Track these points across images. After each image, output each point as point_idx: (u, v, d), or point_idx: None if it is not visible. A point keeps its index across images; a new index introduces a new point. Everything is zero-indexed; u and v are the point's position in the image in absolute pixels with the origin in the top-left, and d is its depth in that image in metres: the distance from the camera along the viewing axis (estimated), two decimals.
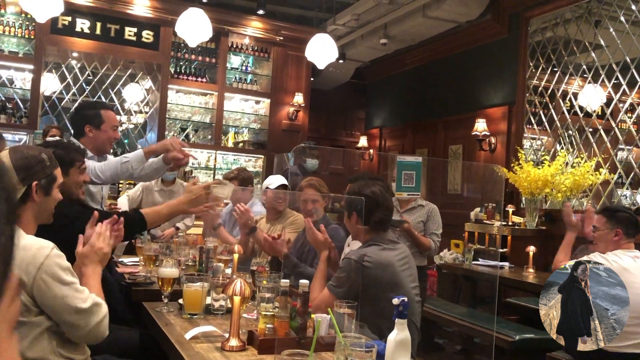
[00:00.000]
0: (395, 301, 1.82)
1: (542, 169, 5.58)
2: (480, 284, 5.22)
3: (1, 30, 6.50)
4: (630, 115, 5.67)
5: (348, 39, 8.53)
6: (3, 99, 6.63)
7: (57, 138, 4.53)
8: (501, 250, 5.50)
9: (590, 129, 5.91)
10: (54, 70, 6.88)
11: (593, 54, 5.90)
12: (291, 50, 7.81)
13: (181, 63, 7.41)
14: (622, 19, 5.53)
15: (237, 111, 7.81)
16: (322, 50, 5.31)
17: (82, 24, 6.74)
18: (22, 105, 6.67)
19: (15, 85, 6.73)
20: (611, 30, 5.65)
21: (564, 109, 6.23)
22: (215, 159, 7.52)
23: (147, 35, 7.03)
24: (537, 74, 6.52)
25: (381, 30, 7.92)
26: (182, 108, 7.50)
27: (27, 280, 1.60)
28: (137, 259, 3.49)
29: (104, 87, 7.06)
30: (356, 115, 10.67)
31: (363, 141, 9.94)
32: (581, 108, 6.01)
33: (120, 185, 5.96)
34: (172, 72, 7.26)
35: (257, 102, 7.94)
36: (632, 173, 5.49)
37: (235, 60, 7.83)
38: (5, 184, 0.41)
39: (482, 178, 6.49)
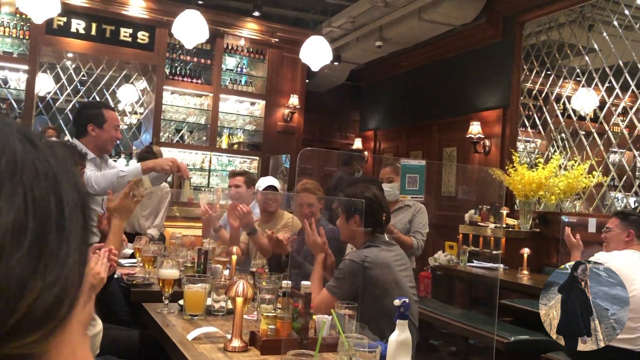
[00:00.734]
0: (397, 302, 1.84)
1: (536, 172, 5.62)
2: (475, 286, 5.25)
3: None
4: (622, 118, 5.72)
5: (343, 41, 8.56)
6: None
7: (54, 139, 4.54)
8: (495, 252, 5.53)
9: (584, 132, 5.97)
10: (48, 71, 6.86)
11: (586, 58, 5.96)
12: (286, 52, 7.83)
13: (176, 64, 7.41)
14: (616, 23, 5.59)
15: (232, 113, 7.81)
16: (316, 52, 5.33)
17: (78, 25, 6.72)
18: (16, 106, 6.64)
19: (9, 86, 6.71)
20: (604, 34, 5.71)
21: (558, 112, 6.28)
22: (210, 160, 7.52)
23: (142, 36, 7.02)
24: (532, 77, 6.57)
25: (376, 33, 7.96)
26: (177, 109, 7.49)
27: None
28: (134, 260, 3.49)
29: (98, 87, 7.05)
30: (351, 118, 10.70)
31: (358, 143, 9.97)
32: (574, 111, 6.06)
33: None
34: (167, 73, 7.25)
35: (252, 104, 7.94)
36: (625, 176, 5.54)
37: (230, 62, 7.83)
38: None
39: (476, 180, 6.53)
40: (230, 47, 7.67)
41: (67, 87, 6.89)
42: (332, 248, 2.76)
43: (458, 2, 6.81)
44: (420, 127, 8.52)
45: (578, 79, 6.06)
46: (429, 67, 8.44)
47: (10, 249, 0.34)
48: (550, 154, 6.23)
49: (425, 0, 6.86)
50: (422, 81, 8.59)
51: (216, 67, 7.46)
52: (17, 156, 0.37)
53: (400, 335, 1.83)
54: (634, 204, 5.82)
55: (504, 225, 5.79)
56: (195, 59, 7.46)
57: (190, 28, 4.85)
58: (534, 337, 3.83)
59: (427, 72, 8.49)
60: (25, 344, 0.35)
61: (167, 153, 7.19)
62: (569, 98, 6.18)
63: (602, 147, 5.73)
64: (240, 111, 7.88)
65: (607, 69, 5.69)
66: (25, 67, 6.54)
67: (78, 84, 7.01)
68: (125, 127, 7.55)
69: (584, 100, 5.94)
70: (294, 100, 7.81)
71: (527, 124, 6.59)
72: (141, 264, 3.19)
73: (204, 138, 7.60)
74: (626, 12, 5.46)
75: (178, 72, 7.36)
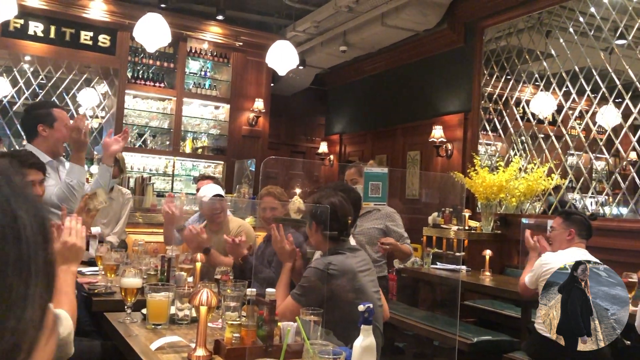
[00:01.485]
0: (361, 307, 1.85)
1: (497, 175, 5.74)
2: (439, 288, 5.32)
3: None
4: (579, 122, 5.89)
5: (308, 45, 8.58)
6: None
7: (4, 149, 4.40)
8: (458, 254, 5.62)
9: (542, 136, 6.12)
10: (4, 74, 6.69)
11: (544, 63, 6.12)
12: (251, 55, 7.81)
13: (138, 68, 7.31)
14: (571, 29, 5.76)
15: (196, 117, 7.75)
16: (283, 56, 5.33)
17: (36, 27, 6.57)
18: None
19: None
20: (561, 40, 5.87)
21: (518, 116, 6.42)
22: (174, 165, 7.43)
23: (103, 39, 6.91)
24: (492, 82, 6.70)
25: (341, 38, 8.01)
26: (140, 113, 7.39)
27: None
28: (96, 268, 3.42)
29: (58, 91, 6.90)
30: (316, 121, 10.72)
31: (323, 147, 9.99)
32: (533, 115, 6.21)
33: None
34: (129, 76, 7.15)
35: (217, 108, 7.89)
36: (582, 178, 5.71)
37: (194, 66, 7.77)
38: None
39: (439, 184, 6.63)
40: (193, 51, 7.61)
41: (25, 91, 6.73)
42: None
43: (420, 8, 6.91)
44: (384, 131, 8.60)
45: (537, 83, 6.21)
46: (392, 71, 8.53)
47: None
48: (510, 157, 6.37)
49: (389, 5, 6.94)
50: (386, 85, 8.68)
51: (179, 71, 7.39)
52: None
53: (365, 340, 1.84)
54: (591, 205, 6.00)
55: (467, 228, 5.89)
56: (157, 63, 7.37)
57: (152, 31, 4.78)
58: (497, 337, 3.91)
59: (390, 77, 8.58)
60: None
61: (130, 158, 7.08)
62: (528, 102, 6.33)
63: (560, 150, 5.88)
64: (204, 115, 7.82)
65: (564, 74, 5.85)
66: None
67: (36, 88, 6.85)
68: (84, 115, 7.39)
69: (543, 104, 6.09)
70: (259, 104, 7.79)
71: (488, 128, 6.72)
72: (103, 273, 3.13)
73: (167, 142, 7.52)
74: (581, 19, 5.63)
75: (140, 76, 7.26)
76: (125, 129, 3.35)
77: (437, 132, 7.15)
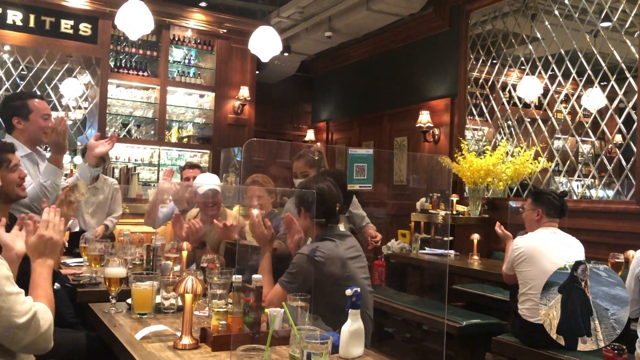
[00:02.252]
0: (348, 292, 1.84)
1: (484, 159, 5.74)
2: (427, 273, 5.33)
3: None
4: (565, 105, 5.90)
5: (293, 31, 8.51)
6: None
7: None
8: (446, 238, 5.63)
9: (529, 119, 6.13)
10: None
11: (530, 47, 6.11)
12: (235, 43, 7.72)
13: (121, 57, 7.20)
14: (557, 12, 5.74)
15: (180, 105, 7.67)
16: (266, 43, 5.27)
17: (14, 16, 6.44)
18: None
19: None
20: (546, 23, 5.86)
21: (504, 100, 6.42)
22: (159, 155, 7.36)
23: (84, 28, 6.79)
24: (478, 66, 6.69)
25: (326, 24, 7.94)
26: (123, 103, 7.30)
27: None
28: (81, 259, 3.38)
29: (39, 82, 6.78)
30: (303, 109, 10.66)
31: (310, 134, 9.95)
32: (520, 99, 6.21)
33: None
34: (112, 66, 7.05)
35: (202, 96, 7.81)
36: (568, 161, 5.72)
37: (177, 54, 7.67)
38: None
39: (427, 169, 6.63)
40: (176, 39, 7.51)
41: (5, 82, 6.61)
42: (283, 240, 2.74)
43: None
44: (371, 117, 8.57)
45: (522, 67, 6.21)
46: (378, 57, 8.49)
47: None
48: (497, 141, 6.38)
49: None
50: (372, 71, 8.64)
51: (163, 59, 7.30)
52: None
53: (353, 324, 1.83)
54: (577, 187, 6.03)
55: (454, 212, 5.90)
56: (140, 51, 7.27)
57: (134, 19, 4.71)
58: (485, 320, 3.93)
59: (376, 63, 8.53)
60: None
61: (114, 148, 6.98)
62: (514, 86, 6.33)
63: (546, 134, 5.89)
64: (189, 104, 7.74)
65: (550, 57, 5.85)
66: None
67: (17, 79, 6.73)
68: (70, 122, 7.28)
69: (529, 88, 6.09)
70: (244, 92, 7.73)
71: (475, 112, 6.72)
72: (87, 263, 3.08)
73: (152, 132, 7.43)
74: (566, 1, 5.61)
75: (123, 65, 7.16)
76: (113, 135, 3.30)
77: (424, 118, 7.14)
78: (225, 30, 7.62)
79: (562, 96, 5.84)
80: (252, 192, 3.46)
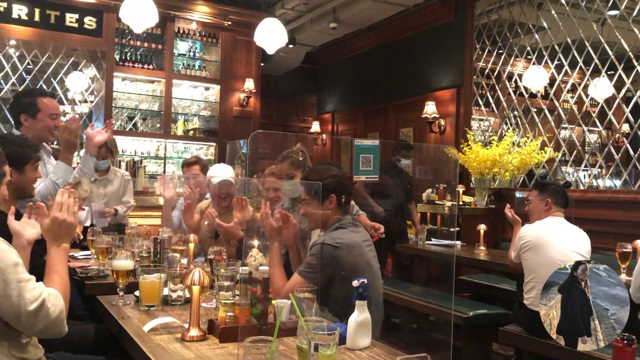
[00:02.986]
0: (355, 283, 1.84)
1: (490, 149, 5.72)
2: (434, 263, 5.34)
3: None
4: (572, 95, 5.86)
5: (297, 23, 8.48)
6: None
7: None
8: (452, 229, 5.63)
9: (535, 109, 6.09)
10: None
11: (536, 36, 6.06)
12: (240, 35, 7.70)
13: (126, 50, 7.20)
14: (563, 1, 5.69)
15: (186, 98, 7.67)
16: (271, 35, 5.25)
17: (19, 10, 6.44)
18: None
19: None
20: (553, 12, 5.81)
21: (510, 90, 6.39)
22: (165, 148, 7.37)
23: (89, 21, 6.79)
24: (484, 56, 6.65)
25: (330, 14, 7.90)
26: (129, 96, 7.30)
27: None
28: (88, 252, 3.40)
29: (45, 76, 6.79)
30: (308, 101, 10.64)
31: (315, 126, 9.94)
32: (526, 89, 6.18)
33: None
34: (117, 59, 7.05)
35: (207, 89, 7.80)
36: (575, 151, 5.69)
37: (182, 46, 7.66)
38: None
39: (433, 159, 6.61)
40: (181, 31, 7.50)
41: (12, 76, 6.62)
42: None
43: None
44: (376, 108, 8.55)
45: (529, 57, 6.17)
46: (383, 48, 8.45)
47: None
48: (503, 131, 6.35)
49: None
50: (377, 62, 8.60)
51: (168, 52, 7.29)
52: None
53: (360, 316, 1.83)
54: (584, 177, 6.00)
55: (461, 203, 5.89)
56: (145, 44, 7.27)
57: (139, 12, 4.70)
58: (492, 310, 3.92)
59: (381, 53, 8.50)
60: None
61: (121, 141, 7.01)
62: (520, 76, 6.29)
63: (553, 123, 5.86)
64: (194, 97, 7.74)
65: (556, 47, 5.81)
66: None
67: (23, 73, 6.75)
68: (76, 116, 7.29)
69: (535, 77, 6.05)
70: (249, 84, 7.71)
71: (481, 103, 6.69)
72: (95, 256, 3.10)
73: (158, 125, 7.44)
74: None
75: (128, 58, 7.16)
76: (109, 121, 3.31)
77: (430, 108, 7.11)
78: (230, 23, 7.60)
79: (568, 86, 5.80)
80: (269, 184, 3.46)
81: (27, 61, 6.72)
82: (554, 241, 3.22)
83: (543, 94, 6.17)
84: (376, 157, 2.47)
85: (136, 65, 7.16)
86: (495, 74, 6.53)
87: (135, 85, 7.34)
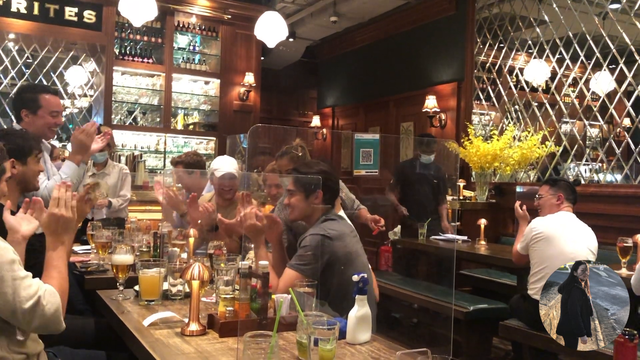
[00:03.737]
0: (355, 278, 1.83)
1: (491, 144, 5.71)
2: (434, 258, 5.33)
3: None
4: (573, 89, 5.84)
5: (297, 17, 8.45)
6: None
7: None
8: (453, 224, 5.62)
9: (536, 104, 6.07)
10: None
11: (538, 30, 6.04)
12: (240, 29, 7.68)
13: (126, 44, 7.18)
14: None
15: (186, 92, 7.65)
16: (271, 28, 5.22)
17: (18, 4, 6.41)
18: None
19: None
20: (554, 5, 5.79)
21: (511, 84, 6.37)
22: (165, 142, 7.36)
23: (88, 15, 6.76)
24: (485, 50, 6.62)
25: (331, 8, 7.88)
26: (129, 90, 7.28)
27: None
28: (88, 246, 3.39)
29: (44, 70, 6.77)
30: (308, 95, 10.62)
31: (316, 121, 9.92)
32: (527, 83, 6.16)
33: None
34: (117, 53, 7.03)
35: (207, 83, 7.78)
36: (576, 145, 5.68)
37: (182, 40, 7.63)
38: None
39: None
40: (181, 25, 7.47)
41: (11, 70, 6.60)
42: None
43: None
44: (377, 102, 8.53)
45: (530, 50, 6.14)
46: (384, 42, 8.42)
47: None
48: (504, 125, 6.33)
49: None
50: (378, 56, 8.58)
51: (167, 46, 7.26)
52: None
53: (360, 310, 1.83)
54: (585, 172, 5.99)
55: (461, 198, 5.88)
56: (145, 38, 7.24)
57: (138, 5, 4.66)
58: (493, 305, 3.93)
59: (382, 47, 8.47)
60: None
61: (120, 136, 7.01)
62: (521, 70, 6.27)
63: (554, 118, 5.85)
64: (194, 91, 7.72)
65: (558, 40, 5.78)
66: None
67: (23, 67, 6.73)
68: (76, 110, 7.29)
69: (536, 71, 6.03)
70: (249, 78, 7.69)
71: (482, 97, 6.67)
72: (95, 251, 3.10)
73: (158, 119, 7.43)
74: None
75: (128, 52, 7.14)
76: (107, 130, 3.32)
77: (431, 102, 7.09)
78: (229, 16, 7.57)
79: (570, 80, 5.78)
80: (271, 181, 3.45)
81: (26, 55, 6.70)
82: (566, 234, 3.28)
83: (544, 88, 6.15)
84: (376, 151, 2.47)
85: (136, 59, 7.14)
86: (497, 67, 6.51)
87: (134, 80, 7.32)
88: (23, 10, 6.44)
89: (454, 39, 7.03)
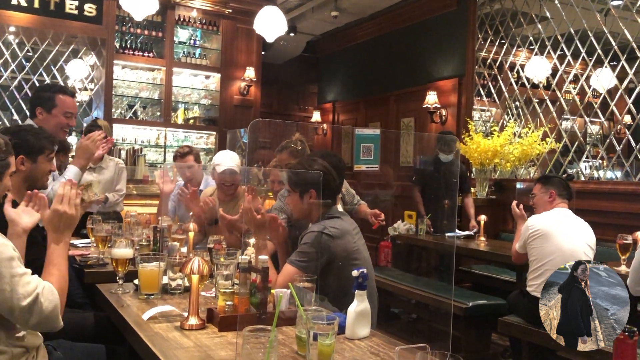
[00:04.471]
0: (355, 273, 1.83)
1: (492, 140, 5.70)
2: (433, 254, 5.33)
3: None
4: (574, 86, 5.84)
5: (298, 11, 8.42)
6: None
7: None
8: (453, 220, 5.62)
9: (537, 100, 6.07)
10: None
11: (539, 26, 6.02)
12: (240, 23, 7.66)
13: (126, 37, 7.16)
14: None
15: (186, 87, 7.64)
16: (271, 22, 5.22)
17: None
18: None
19: None
20: (556, 2, 5.77)
21: (512, 80, 6.36)
22: (165, 136, 7.35)
23: (89, 8, 6.74)
24: (486, 46, 6.61)
25: (332, 3, 7.85)
26: (129, 84, 7.27)
27: None
28: (88, 240, 3.39)
29: (45, 63, 6.76)
30: (309, 90, 10.60)
31: (316, 116, 9.90)
32: (528, 79, 6.15)
33: None
34: (117, 47, 7.01)
35: (207, 77, 7.77)
36: (577, 142, 5.67)
37: (182, 34, 7.62)
38: None
39: (433, 150, 6.58)
40: (182, 19, 7.46)
41: (11, 63, 6.59)
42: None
43: None
44: (378, 98, 8.51)
45: (531, 47, 6.13)
46: (384, 37, 8.40)
47: None
48: (505, 122, 6.33)
49: None
50: (379, 52, 8.56)
51: (168, 40, 7.25)
52: None
53: (359, 305, 1.83)
54: (585, 169, 5.98)
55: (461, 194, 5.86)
56: (146, 32, 7.23)
57: None
58: (491, 301, 3.93)
59: (383, 43, 8.45)
60: None
61: (120, 130, 7.00)
62: (522, 66, 6.25)
63: (554, 114, 5.84)
64: (195, 85, 7.71)
65: (559, 37, 5.77)
66: None
67: (23, 60, 6.71)
68: (77, 103, 7.25)
69: (537, 68, 6.02)
70: (250, 72, 7.68)
71: (482, 93, 6.66)
72: (94, 244, 3.10)
73: (158, 113, 7.42)
74: None
75: (128, 46, 7.12)
76: (109, 138, 3.36)
77: (431, 98, 7.08)
78: (230, 10, 7.55)
79: (571, 76, 5.77)
80: (274, 177, 3.45)
81: (26, 48, 6.68)
82: (563, 230, 3.29)
83: (545, 84, 6.14)
84: (377, 146, 2.46)
85: (136, 53, 7.12)
86: (497, 64, 6.50)
87: (135, 73, 7.31)
88: (23, 3, 6.42)
89: (455, 34, 7.01)
